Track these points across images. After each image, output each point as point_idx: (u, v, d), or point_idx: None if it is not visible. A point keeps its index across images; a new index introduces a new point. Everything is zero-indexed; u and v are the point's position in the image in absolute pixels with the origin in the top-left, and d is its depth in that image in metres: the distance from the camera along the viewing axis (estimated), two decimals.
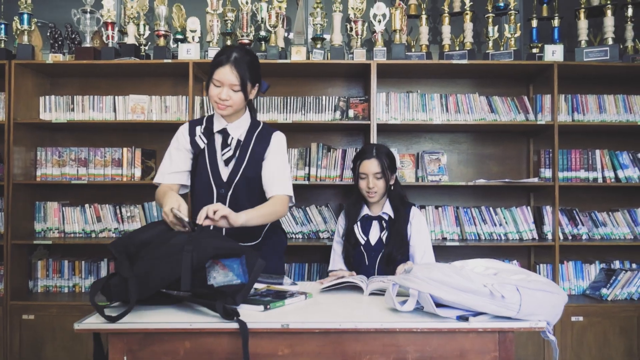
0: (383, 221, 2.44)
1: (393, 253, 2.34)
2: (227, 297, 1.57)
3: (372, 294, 1.91)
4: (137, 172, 3.41)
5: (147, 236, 1.71)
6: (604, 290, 3.27)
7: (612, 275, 3.31)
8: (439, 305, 1.55)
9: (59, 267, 3.42)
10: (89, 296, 1.59)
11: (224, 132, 2.12)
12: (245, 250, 1.71)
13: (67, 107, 3.45)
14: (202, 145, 2.12)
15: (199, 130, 2.14)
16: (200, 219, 1.78)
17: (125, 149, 3.42)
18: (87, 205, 3.45)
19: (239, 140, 2.12)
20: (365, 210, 2.48)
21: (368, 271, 2.34)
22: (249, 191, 2.12)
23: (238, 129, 2.13)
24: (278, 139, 2.17)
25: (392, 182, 2.46)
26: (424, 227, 2.46)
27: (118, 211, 3.45)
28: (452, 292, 1.52)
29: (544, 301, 1.56)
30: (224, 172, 2.11)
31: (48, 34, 3.45)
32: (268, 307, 1.65)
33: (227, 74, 1.99)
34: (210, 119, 2.17)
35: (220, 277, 1.65)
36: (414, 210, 2.47)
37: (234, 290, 1.60)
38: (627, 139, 3.58)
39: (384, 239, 2.41)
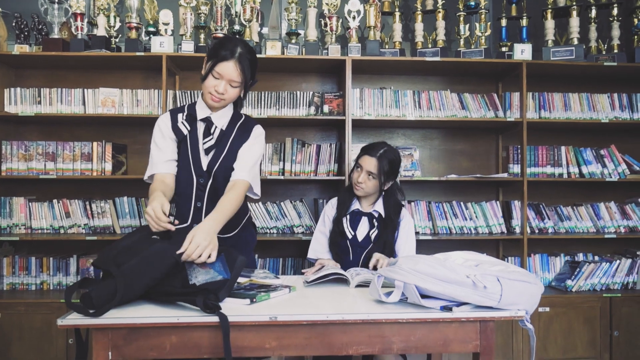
0: (374, 219, 2.43)
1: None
2: (210, 294, 1.57)
3: (357, 285, 1.93)
4: (108, 167, 3.34)
5: (127, 242, 1.70)
6: (568, 282, 3.39)
7: (576, 268, 3.43)
8: (423, 296, 1.59)
9: (25, 264, 3.32)
10: (65, 301, 1.55)
11: (208, 121, 2.09)
12: (223, 248, 1.72)
13: (34, 99, 3.35)
14: (185, 132, 2.09)
15: (181, 117, 2.12)
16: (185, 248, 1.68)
17: (95, 143, 3.35)
18: (55, 201, 3.36)
19: (221, 130, 2.10)
20: (356, 205, 2.47)
21: (351, 267, 2.33)
22: (227, 181, 2.08)
23: (221, 119, 2.11)
24: (258, 132, 2.16)
25: (385, 187, 2.43)
26: (411, 229, 2.47)
27: (88, 206, 3.37)
28: (437, 283, 1.56)
29: (523, 291, 1.62)
30: (204, 161, 2.08)
31: (13, 24, 3.34)
32: (254, 300, 1.65)
33: (229, 69, 1.98)
34: (192, 107, 2.14)
35: (201, 275, 1.65)
36: (404, 212, 2.48)
37: (217, 286, 1.61)
38: (590, 136, 3.71)
39: (372, 236, 2.40)
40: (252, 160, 2.09)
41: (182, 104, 3.26)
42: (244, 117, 2.19)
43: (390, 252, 2.37)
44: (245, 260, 1.70)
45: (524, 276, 1.65)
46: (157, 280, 1.60)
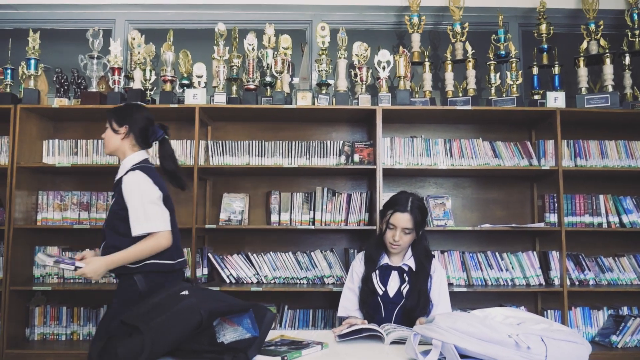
0: (404, 273, 2.35)
1: (414, 309, 2.24)
2: (240, 353, 1.52)
3: (391, 342, 1.86)
4: None
5: (157, 299, 1.69)
6: (613, 337, 3.22)
7: (621, 322, 3.26)
8: (462, 356, 1.51)
9: (57, 313, 3.33)
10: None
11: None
12: (252, 304, 1.69)
13: (71, 150, 3.44)
14: None
15: None
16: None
17: None
18: (87, 250, 3.39)
19: (117, 180, 2.39)
20: (385, 260, 2.39)
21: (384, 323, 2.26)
22: (111, 227, 2.32)
23: (121, 171, 2.40)
24: (126, 181, 2.31)
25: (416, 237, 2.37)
26: (444, 280, 2.38)
27: None
28: (477, 342, 1.48)
29: (569, 352, 1.53)
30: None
31: (54, 78, 3.47)
32: (285, 358, 1.60)
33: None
34: None
35: (229, 333, 1.62)
36: (435, 263, 2.40)
37: (245, 345, 1.56)
38: (630, 184, 3.60)
39: (403, 292, 2.30)
40: (133, 213, 2.26)
41: (212, 155, 3.33)
42: (133, 167, 2.37)
43: (426, 303, 2.29)
44: (274, 316, 1.66)
45: (570, 336, 1.56)
46: (185, 337, 1.57)
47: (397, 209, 2.33)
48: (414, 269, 2.34)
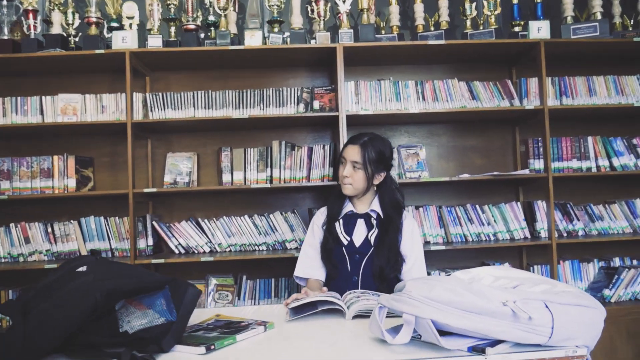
0: (372, 219, 2.06)
1: (384, 268, 1.95)
2: (150, 344, 1.13)
3: (355, 316, 1.49)
4: (71, 183, 2.94)
5: (49, 280, 1.28)
6: (606, 292, 2.95)
7: (613, 274, 2.98)
8: (442, 333, 1.14)
9: None
10: None
11: None
12: (168, 280, 1.29)
13: None
14: None
15: None
16: None
17: (56, 157, 2.95)
18: (12, 225, 2.95)
19: None
20: (350, 207, 2.10)
21: (350, 279, 1.96)
22: None
23: None
24: None
25: (377, 182, 2.07)
26: (416, 232, 2.08)
27: (50, 229, 2.95)
28: (462, 315, 1.12)
29: (580, 319, 1.18)
30: None
31: None
32: (212, 347, 1.22)
33: None
34: None
35: (136, 319, 1.22)
36: (404, 214, 2.10)
37: (157, 333, 1.17)
38: (620, 123, 3.27)
39: (371, 239, 2.01)
40: None
41: (151, 109, 2.88)
42: None
43: (396, 260, 1.99)
44: (199, 292, 1.26)
45: (579, 298, 1.21)
46: (76, 326, 1.16)
47: (350, 141, 2.11)
48: (382, 215, 2.05)
